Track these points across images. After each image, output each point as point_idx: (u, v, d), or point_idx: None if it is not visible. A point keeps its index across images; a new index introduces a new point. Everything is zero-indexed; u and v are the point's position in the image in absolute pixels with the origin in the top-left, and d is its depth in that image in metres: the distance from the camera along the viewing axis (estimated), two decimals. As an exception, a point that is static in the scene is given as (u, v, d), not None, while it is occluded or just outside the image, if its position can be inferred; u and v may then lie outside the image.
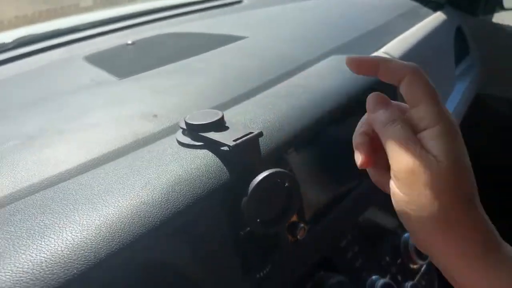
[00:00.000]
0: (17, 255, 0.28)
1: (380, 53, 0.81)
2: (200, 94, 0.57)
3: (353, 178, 0.65)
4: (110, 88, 0.60)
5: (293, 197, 0.42)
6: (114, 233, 0.30)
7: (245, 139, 0.39)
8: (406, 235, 0.69)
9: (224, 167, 0.39)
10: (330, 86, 0.57)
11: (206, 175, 0.38)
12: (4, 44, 0.87)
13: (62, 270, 0.27)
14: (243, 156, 0.40)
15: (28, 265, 0.27)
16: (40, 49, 0.85)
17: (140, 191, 0.35)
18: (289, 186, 0.41)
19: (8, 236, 0.30)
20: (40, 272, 0.27)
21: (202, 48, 0.76)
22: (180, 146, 0.42)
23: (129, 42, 0.86)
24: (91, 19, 1.02)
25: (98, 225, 0.31)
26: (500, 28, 1.21)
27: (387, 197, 0.68)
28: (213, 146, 0.41)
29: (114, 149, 0.44)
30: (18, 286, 0.26)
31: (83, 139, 0.45)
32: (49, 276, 0.27)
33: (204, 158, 0.40)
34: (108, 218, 0.31)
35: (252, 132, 0.40)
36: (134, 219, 0.32)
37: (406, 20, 1.00)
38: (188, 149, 0.41)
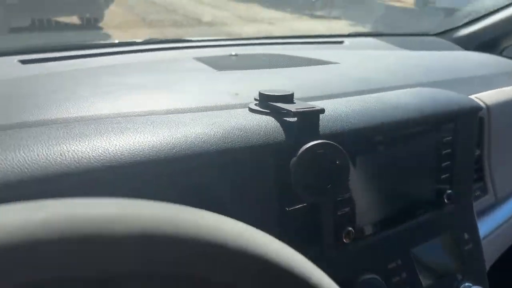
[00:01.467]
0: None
1: (473, 97, 0.79)
2: (283, 87, 0.62)
3: (417, 203, 0.63)
4: (207, 74, 0.69)
5: (342, 174, 0.43)
6: (175, 145, 0.36)
7: (306, 110, 0.43)
8: (466, 283, 0.63)
9: (283, 130, 0.43)
10: (404, 103, 0.58)
11: (265, 131, 0.42)
12: (135, 42, 1.05)
13: (130, 155, 0.33)
14: (302, 126, 0.43)
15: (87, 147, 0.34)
16: (162, 48, 1.01)
17: (207, 126, 0.40)
18: (340, 164, 0.43)
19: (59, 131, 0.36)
20: (113, 153, 0.33)
21: (294, 64, 0.83)
22: (250, 112, 0.47)
23: (233, 53, 0.97)
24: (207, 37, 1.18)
25: (166, 136, 0.37)
26: None
27: (451, 237, 0.64)
28: (278, 114, 0.45)
29: (196, 106, 0.51)
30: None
31: (172, 96, 0.53)
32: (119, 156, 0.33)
33: (267, 121, 0.44)
34: (175, 134, 0.37)
35: (315, 107, 0.43)
36: (195, 141, 0.37)
37: (508, 78, 0.96)
38: (257, 114, 0.46)
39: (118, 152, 0.33)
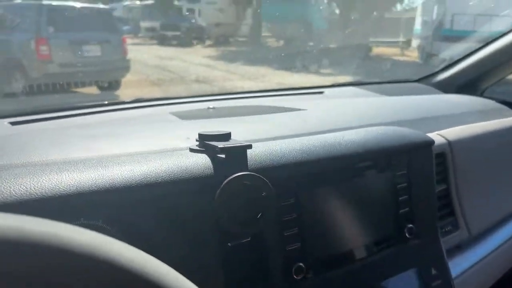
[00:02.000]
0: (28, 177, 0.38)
1: (434, 134, 0.81)
2: (239, 132, 0.66)
3: (374, 239, 0.63)
4: (170, 123, 0.74)
5: (269, 205, 0.45)
6: (96, 179, 0.39)
7: (232, 145, 0.46)
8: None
9: (212, 166, 0.46)
10: (348, 139, 0.60)
11: (194, 167, 0.45)
12: (124, 101, 1.13)
13: (50, 189, 0.37)
14: (230, 161, 0.46)
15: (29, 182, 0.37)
16: (146, 106, 1.08)
17: (135, 164, 0.44)
18: (266, 195, 0.45)
19: (36, 169, 0.41)
20: (35, 187, 0.37)
21: (263, 112, 0.88)
22: (188, 151, 0.51)
23: (211, 106, 1.03)
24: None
25: (88, 174, 0.40)
26: None
27: (416, 273, 0.63)
28: (212, 152, 0.48)
29: (143, 150, 0.55)
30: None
31: (127, 143, 0.58)
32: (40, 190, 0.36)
33: (199, 158, 0.47)
34: (99, 171, 0.41)
35: (242, 143, 0.47)
36: (118, 176, 0.41)
37: (482, 116, 0.98)
38: (193, 153, 0.50)
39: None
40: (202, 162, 0.47)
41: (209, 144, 0.48)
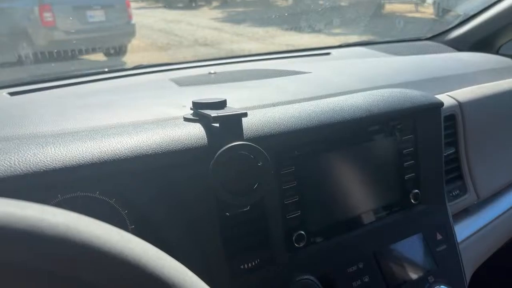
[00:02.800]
0: (12, 151, 0.37)
1: (443, 95, 0.77)
2: (237, 98, 0.64)
3: (379, 204, 0.61)
4: (167, 90, 0.72)
5: (265, 176, 0.44)
6: (85, 153, 0.38)
7: (226, 114, 0.44)
8: (442, 286, 0.60)
9: (205, 136, 0.45)
10: (353, 103, 0.58)
11: (187, 138, 0.44)
12: (124, 69, 1.11)
13: (36, 164, 0.36)
14: (225, 131, 0.44)
15: (14, 157, 0.36)
16: (148, 72, 1.05)
17: (126, 136, 0.42)
18: (262, 165, 0.44)
19: (21, 143, 0.40)
20: (19, 161, 0.36)
21: (265, 76, 0.85)
22: (182, 121, 0.49)
23: (212, 71, 1.00)
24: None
25: (78, 146, 0.39)
26: None
27: (422, 238, 0.62)
28: (206, 121, 0.47)
29: (138, 120, 0.53)
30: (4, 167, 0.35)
31: (121, 112, 0.56)
32: (24, 165, 0.35)
33: (193, 128, 0.46)
34: (88, 144, 0.40)
35: (236, 111, 0.45)
36: (108, 149, 0.39)
37: (490, 75, 0.93)
38: (187, 122, 0.48)
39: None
40: (195, 132, 0.45)
41: (203, 113, 0.47)
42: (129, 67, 1.11)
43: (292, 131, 0.50)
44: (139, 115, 0.55)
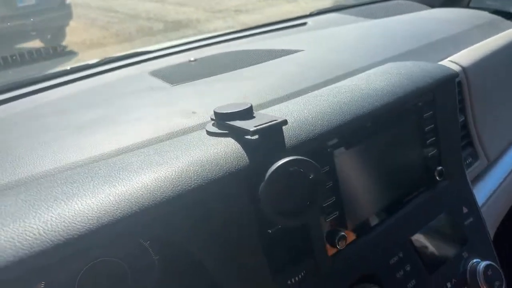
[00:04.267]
0: (28, 213, 0.30)
1: (446, 61, 0.74)
2: (243, 96, 0.58)
3: (409, 188, 0.59)
4: (161, 92, 0.64)
5: (318, 190, 0.39)
6: (119, 202, 0.31)
7: (267, 125, 0.38)
8: (474, 260, 0.60)
9: (245, 153, 0.38)
10: (376, 87, 0.53)
11: (224, 159, 0.37)
12: (88, 65, 0.99)
13: (65, 229, 0.28)
14: (265, 143, 0.39)
15: (35, 222, 0.29)
16: (117, 67, 0.95)
17: (156, 168, 0.35)
18: (314, 178, 0.39)
19: (29, 199, 0.32)
20: (44, 229, 0.28)
21: (256, 60, 0.78)
22: (207, 135, 0.42)
23: (192, 59, 0.91)
24: (168, 44, 1.12)
25: (107, 194, 0.32)
26: None
27: (450, 215, 0.60)
28: (237, 134, 0.40)
29: (148, 139, 0.46)
30: (21, 238, 0.27)
31: (121, 131, 0.48)
32: (51, 233, 0.28)
33: (226, 145, 0.39)
34: (118, 188, 0.32)
35: (276, 120, 0.39)
36: (142, 192, 0.32)
37: (482, 32, 0.92)
38: (214, 137, 0.42)
39: (51, 230, 0.28)
40: (231, 149, 0.39)
41: (234, 126, 0.40)
42: (94, 63, 0.99)
43: (328, 130, 0.45)
44: (144, 131, 0.47)
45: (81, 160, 0.41)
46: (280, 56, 0.79)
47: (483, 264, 0.59)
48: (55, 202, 0.31)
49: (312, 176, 0.38)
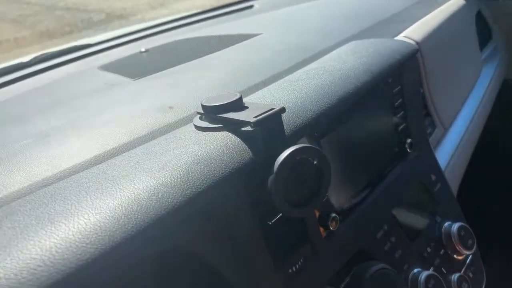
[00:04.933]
0: (24, 242, 0.25)
1: (401, 37, 0.77)
2: (216, 85, 0.55)
3: (384, 164, 0.61)
4: (124, 88, 0.58)
5: (324, 176, 0.38)
6: (130, 215, 0.28)
7: (266, 115, 0.36)
8: (447, 223, 0.64)
9: (247, 146, 0.36)
10: (352, 66, 0.54)
11: (228, 155, 0.35)
12: (22, 63, 0.89)
13: (74, 255, 0.25)
14: (266, 134, 0.37)
15: (36, 251, 0.25)
16: (56, 64, 0.86)
17: (157, 173, 0.32)
18: (319, 164, 0.38)
19: (16, 225, 0.27)
20: (50, 258, 0.24)
21: (216, 47, 0.75)
22: (197, 131, 0.40)
23: (143, 49, 0.85)
24: (106, 36, 1.04)
25: (113, 208, 0.28)
26: (524, 9, 1.16)
27: (422, 184, 0.63)
28: (233, 127, 0.38)
29: (130, 140, 0.42)
30: (25, 272, 0.23)
31: (96, 134, 0.43)
32: (60, 261, 0.24)
33: (224, 139, 0.37)
34: (123, 201, 0.29)
35: (274, 108, 0.37)
36: (151, 201, 0.29)
37: (423, 7, 0.96)
38: (207, 132, 0.39)
39: (59, 258, 0.24)
40: (231, 144, 0.36)
41: (228, 119, 0.38)
42: (29, 61, 0.89)
43: (319, 114, 0.44)
44: (123, 133, 0.43)
45: (60, 172, 0.37)
46: (240, 41, 0.77)
47: (455, 226, 0.63)
48: (53, 224, 0.27)
49: (316, 162, 0.37)
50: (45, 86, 0.72)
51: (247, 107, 0.39)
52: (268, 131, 0.37)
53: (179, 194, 0.30)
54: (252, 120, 0.35)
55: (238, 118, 0.37)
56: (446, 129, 0.81)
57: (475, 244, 0.63)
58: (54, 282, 0.23)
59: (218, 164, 0.34)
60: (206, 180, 0.32)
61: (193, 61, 0.68)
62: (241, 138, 0.37)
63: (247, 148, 0.36)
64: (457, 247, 0.62)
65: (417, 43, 0.76)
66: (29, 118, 0.52)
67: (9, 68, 0.87)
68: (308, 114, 0.43)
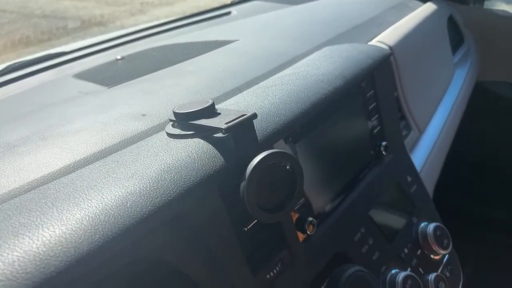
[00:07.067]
0: None
1: (375, 42, 0.79)
2: (191, 92, 0.55)
3: (358, 167, 0.61)
4: (97, 96, 0.58)
5: (297, 180, 0.38)
6: (97, 225, 0.27)
7: (238, 121, 0.36)
8: (423, 224, 0.65)
9: (218, 152, 0.36)
10: (325, 72, 0.54)
11: (199, 162, 0.35)
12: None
13: (37, 268, 0.24)
14: (238, 140, 0.37)
15: None
16: (30, 73, 0.84)
17: (126, 182, 0.31)
18: (291, 169, 0.38)
19: None
20: (12, 272, 0.24)
21: (192, 54, 0.75)
22: (169, 138, 0.39)
23: (118, 57, 0.84)
24: (82, 44, 1.02)
25: (79, 219, 0.27)
26: (493, 13, 1.20)
27: (399, 185, 0.64)
28: (205, 134, 0.38)
29: (101, 149, 0.41)
30: None
31: (67, 143, 0.43)
32: (23, 275, 0.24)
33: (196, 146, 0.37)
34: (90, 211, 0.28)
35: (245, 114, 0.37)
36: (120, 211, 0.29)
37: (396, 12, 0.98)
38: (178, 139, 0.39)
39: (21, 272, 0.24)
40: (203, 150, 0.36)
41: (200, 125, 0.38)
42: (4, 69, 0.87)
43: (292, 119, 0.44)
44: (94, 142, 0.42)
45: (27, 183, 0.36)
46: (216, 48, 0.77)
47: (431, 226, 0.64)
48: (16, 237, 0.26)
49: (289, 167, 0.38)
50: (17, 95, 0.71)
51: (219, 114, 0.39)
52: (240, 137, 0.37)
53: (148, 203, 0.30)
54: (224, 126, 0.35)
55: (209, 125, 0.37)
56: (421, 132, 0.83)
57: (451, 243, 0.64)
58: (15, 297, 0.23)
59: (189, 171, 0.34)
60: (176, 188, 0.32)
61: (168, 68, 0.67)
62: (213, 145, 0.37)
63: (219, 155, 0.36)
64: (433, 247, 0.63)
65: (390, 47, 0.77)
66: (13, 125, 0.50)
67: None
68: (281, 119, 0.43)
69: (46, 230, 0.26)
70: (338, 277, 0.48)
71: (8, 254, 0.25)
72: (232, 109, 0.40)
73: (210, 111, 0.40)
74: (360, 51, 0.62)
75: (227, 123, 0.36)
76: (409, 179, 0.68)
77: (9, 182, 0.36)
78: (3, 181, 0.36)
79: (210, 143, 0.37)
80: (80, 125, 0.47)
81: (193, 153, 0.36)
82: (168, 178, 0.32)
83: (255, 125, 0.40)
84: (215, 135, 0.38)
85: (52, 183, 0.34)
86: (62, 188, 0.32)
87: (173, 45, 0.86)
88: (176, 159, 0.35)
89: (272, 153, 0.35)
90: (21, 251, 0.25)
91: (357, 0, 1.14)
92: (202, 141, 0.37)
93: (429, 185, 0.79)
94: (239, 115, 0.37)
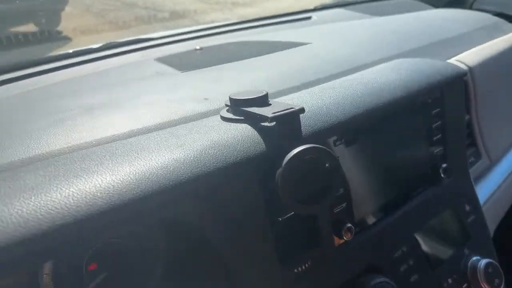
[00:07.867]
0: (49, 187, 0.29)
1: (453, 60, 0.75)
2: (254, 84, 0.57)
3: (412, 184, 0.59)
4: (171, 78, 0.63)
5: (334, 178, 0.39)
6: (140, 180, 0.31)
7: (284, 112, 0.38)
8: (475, 258, 0.61)
9: (261, 139, 0.38)
10: (387, 81, 0.54)
11: (242, 144, 0.37)
12: (91, 49, 0.98)
13: (87, 205, 0.28)
14: (282, 130, 0.38)
15: (56, 196, 0.28)
16: (121, 52, 0.93)
17: (174, 150, 0.35)
18: (330, 167, 0.39)
19: (47, 174, 0.31)
20: (66, 203, 0.28)
21: (264, 51, 0.78)
22: (222, 121, 0.42)
23: (198, 47, 0.90)
24: (169, 33, 1.11)
25: (127, 172, 0.31)
26: None
27: (453, 212, 0.61)
28: (254, 121, 0.40)
29: (162, 122, 0.45)
30: (43, 211, 0.27)
31: (135, 113, 0.48)
32: (73, 207, 0.28)
33: (242, 130, 0.39)
34: (138, 168, 0.32)
35: (293, 107, 0.39)
36: (163, 172, 0.32)
37: (485, 33, 0.92)
38: (229, 123, 0.41)
39: (73, 205, 0.28)
40: (248, 135, 0.39)
41: (250, 112, 0.40)
42: (98, 47, 0.98)
43: (342, 121, 0.45)
44: (158, 116, 0.47)
45: (95, 140, 0.41)
46: (288, 48, 0.79)
47: (483, 261, 0.60)
48: (76, 177, 0.30)
49: (328, 165, 0.38)
50: (105, 70, 0.79)
51: (270, 104, 0.41)
52: (285, 128, 0.38)
53: (188, 170, 0.33)
54: (270, 115, 0.37)
55: (258, 113, 0.39)
56: (492, 162, 0.77)
57: (503, 284, 0.59)
58: (64, 223, 0.27)
59: (231, 151, 0.36)
60: (216, 163, 0.34)
61: (239, 61, 0.71)
62: (258, 131, 0.39)
63: (262, 141, 0.38)
64: (482, 284, 0.58)
65: (469, 68, 0.73)
66: (84, 94, 0.58)
67: (81, 52, 0.97)
68: (330, 119, 0.44)
69: (100, 176, 0.31)
70: (363, 285, 0.47)
71: (66, 189, 0.29)
72: (284, 102, 0.42)
73: (263, 101, 0.42)
74: (431, 66, 0.60)
75: (274, 113, 0.38)
76: (467, 208, 0.64)
77: (81, 137, 0.41)
78: (76, 136, 0.42)
79: (256, 129, 0.39)
80: (150, 100, 0.52)
81: (238, 136, 0.38)
82: (211, 153, 0.35)
83: (302, 121, 0.41)
84: (262, 124, 0.40)
85: (115, 142, 0.39)
86: (121, 147, 0.36)
87: (249, 42, 0.90)
88: (222, 139, 0.37)
89: (311, 148, 0.37)
90: (76, 188, 0.29)
91: (446, 16, 1.10)
92: (249, 127, 0.40)
93: (492, 220, 0.74)
94: (287, 107, 0.39)
